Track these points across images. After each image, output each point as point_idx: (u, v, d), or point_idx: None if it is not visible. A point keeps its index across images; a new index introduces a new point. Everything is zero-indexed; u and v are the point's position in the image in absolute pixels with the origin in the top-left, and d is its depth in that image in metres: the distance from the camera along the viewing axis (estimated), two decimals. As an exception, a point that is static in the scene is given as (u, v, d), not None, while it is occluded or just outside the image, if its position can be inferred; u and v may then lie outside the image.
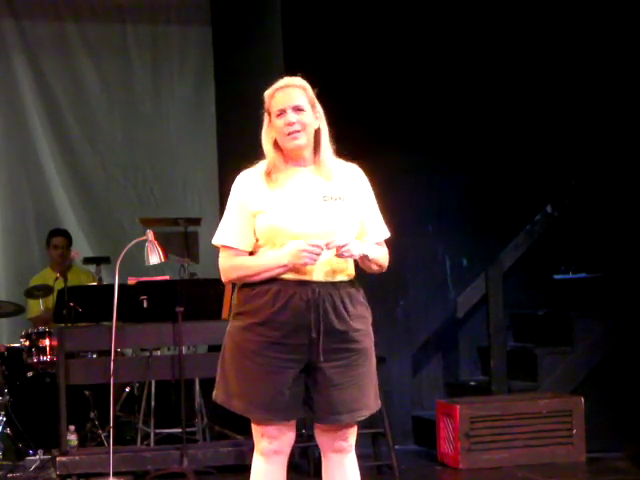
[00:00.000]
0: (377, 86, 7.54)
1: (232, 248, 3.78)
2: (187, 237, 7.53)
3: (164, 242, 6.52)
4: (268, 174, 3.77)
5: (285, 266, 3.67)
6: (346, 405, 3.73)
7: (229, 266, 3.79)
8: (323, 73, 7.36)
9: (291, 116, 3.74)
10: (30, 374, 7.18)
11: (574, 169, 7.71)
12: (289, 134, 3.74)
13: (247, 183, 3.80)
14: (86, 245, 8.73)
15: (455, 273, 7.69)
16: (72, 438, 6.61)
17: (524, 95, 7.78)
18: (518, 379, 7.31)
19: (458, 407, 6.63)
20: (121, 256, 6.15)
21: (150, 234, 6.26)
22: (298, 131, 3.74)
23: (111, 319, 6.13)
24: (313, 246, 3.61)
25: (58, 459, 6.35)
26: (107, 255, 8.00)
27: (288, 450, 3.81)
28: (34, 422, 7.02)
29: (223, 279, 3.83)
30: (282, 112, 3.76)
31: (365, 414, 3.80)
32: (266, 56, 7.82)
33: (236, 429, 7.02)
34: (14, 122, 8.79)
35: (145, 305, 6.51)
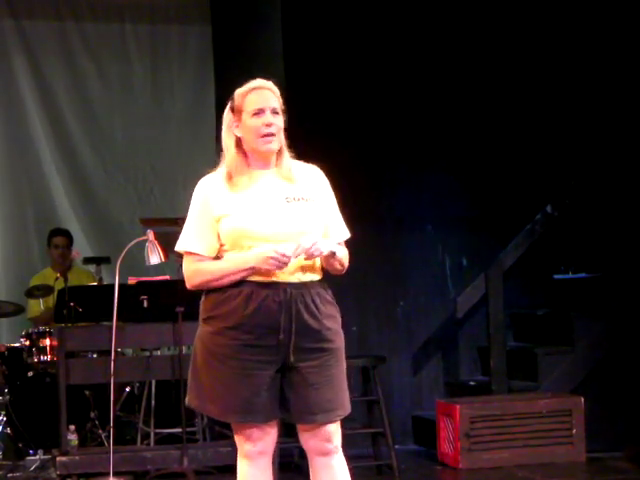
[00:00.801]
0: (377, 85, 7.54)
1: (195, 254, 3.76)
2: (187, 237, 7.52)
3: (164, 242, 6.52)
4: (229, 177, 3.75)
5: (251, 269, 3.64)
6: (321, 405, 3.71)
7: (192, 271, 3.77)
8: (323, 73, 7.40)
9: (270, 117, 3.72)
10: (30, 374, 7.18)
11: (574, 169, 7.71)
12: (265, 135, 3.71)
13: (209, 188, 3.78)
14: (86, 245, 8.73)
15: (455, 273, 7.69)
16: (72, 438, 6.61)
17: (524, 95, 7.79)
18: (518, 379, 7.31)
19: (458, 407, 6.63)
20: (121, 256, 6.16)
21: (150, 234, 6.26)
22: (274, 134, 3.72)
23: (111, 319, 6.13)
24: (281, 255, 3.58)
25: (58, 459, 6.34)
26: (107, 255, 7.99)
27: (272, 450, 3.81)
28: (34, 422, 7.02)
29: (187, 285, 3.82)
30: (260, 112, 3.73)
31: (340, 414, 3.78)
32: (266, 56, 7.82)
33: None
34: (14, 122, 8.79)
35: (145, 305, 6.51)
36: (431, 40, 7.66)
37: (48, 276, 7.82)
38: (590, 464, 6.62)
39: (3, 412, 6.97)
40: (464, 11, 7.72)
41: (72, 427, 6.64)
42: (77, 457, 6.41)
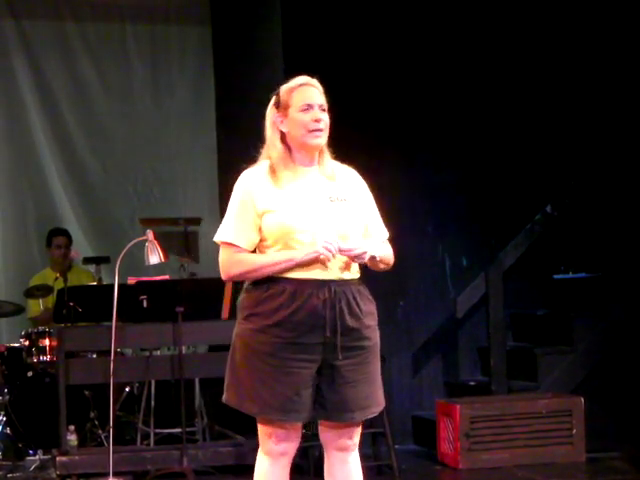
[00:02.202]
0: (377, 86, 7.54)
1: (234, 245, 3.75)
2: (187, 237, 7.54)
3: (164, 242, 6.53)
4: (273, 172, 3.75)
5: (291, 260, 3.66)
6: (359, 402, 3.74)
7: (231, 262, 3.76)
8: (323, 73, 7.39)
9: (319, 113, 3.76)
10: (30, 374, 7.17)
11: (574, 169, 7.71)
12: (314, 130, 3.74)
13: (253, 182, 3.77)
14: (86, 245, 8.73)
15: (455, 273, 7.69)
16: (72, 438, 6.61)
17: (524, 95, 7.78)
18: (518, 379, 7.32)
19: (458, 407, 6.63)
20: (121, 256, 6.15)
21: (150, 234, 6.26)
22: (322, 130, 3.76)
23: (111, 319, 6.12)
24: (329, 243, 3.61)
25: (58, 459, 6.34)
26: (107, 255, 7.99)
27: (293, 452, 3.80)
28: (34, 422, 7.02)
29: (223, 276, 3.80)
30: (309, 107, 3.77)
31: (375, 411, 3.82)
32: (266, 56, 7.82)
33: (236, 429, 7.02)
34: (14, 122, 8.79)
35: (145, 305, 6.50)
36: (431, 40, 7.65)
37: (48, 276, 7.82)
38: (590, 464, 6.62)
39: (3, 412, 6.96)
40: (464, 14, 7.71)
41: (72, 427, 6.63)
42: (77, 457, 6.40)
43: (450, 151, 7.70)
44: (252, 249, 3.77)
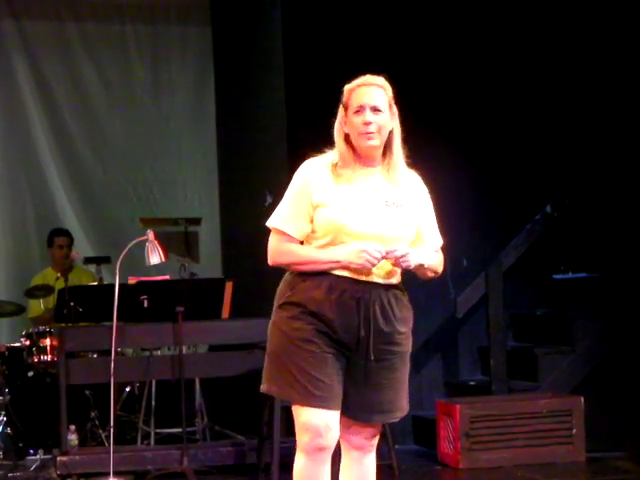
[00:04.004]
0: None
1: (284, 233, 3.75)
2: (187, 237, 7.56)
3: (164, 242, 6.53)
4: (335, 167, 3.75)
5: (338, 262, 3.67)
6: (381, 406, 3.77)
7: (280, 251, 3.76)
8: (323, 73, 7.40)
9: (369, 116, 3.73)
10: (31, 374, 7.18)
11: (574, 169, 7.71)
12: (365, 134, 3.72)
13: (313, 172, 3.76)
14: (86, 245, 8.73)
15: (455, 273, 7.69)
16: (72, 438, 6.60)
17: (524, 95, 7.78)
18: (518, 379, 7.32)
19: (458, 407, 6.63)
20: (121, 256, 6.16)
21: (150, 234, 6.26)
22: (374, 132, 3.73)
23: (111, 319, 6.13)
24: (375, 251, 3.62)
25: (58, 459, 6.35)
26: (107, 255, 8.00)
27: (333, 446, 3.73)
28: (34, 422, 7.02)
29: (270, 262, 3.80)
30: (361, 109, 3.74)
31: (398, 416, 3.85)
32: (266, 56, 7.82)
33: (236, 429, 7.03)
34: (14, 122, 8.79)
35: (145, 305, 6.51)
36: (433, 40, 7.65)
37: (48, 276, 7.83)
38: (590, 464, 6.63)
39: (3, 412, 6.96)
40: (468, 13, 7.71)
41: (72, 427, 6.63)
42: (77, 457, 6.41)
43: (450, 151, 7.69)
44: (302, 239, 3.77)
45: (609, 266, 7.60)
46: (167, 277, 6.99)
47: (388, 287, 3.76)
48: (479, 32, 7.73)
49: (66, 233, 8.16)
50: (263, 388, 3.79)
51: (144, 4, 9.11)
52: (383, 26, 7.57)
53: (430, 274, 3.91)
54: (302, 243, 3.79)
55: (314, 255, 3.71)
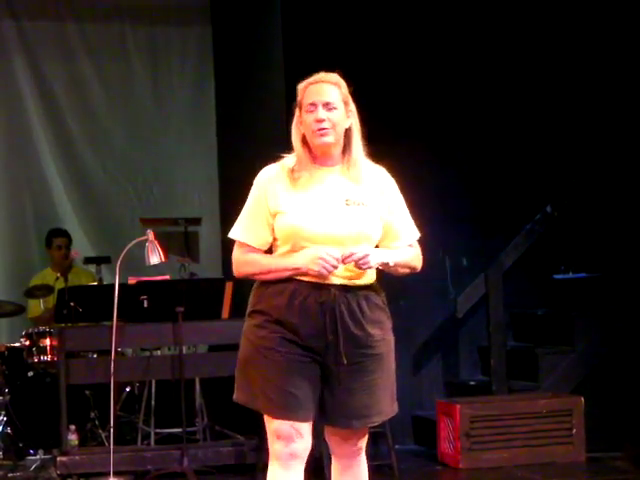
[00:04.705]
0: (377, 85, 7.53)
1: (246, 244, 3.73)
2: (187, 237, 7.55)
3: (164, 242, 6.53)
4: (291, 172, 3.69)
5: (298, 269, 3.61)
6: (357, 411, 3.67)
7: (242, 261, 3.74)
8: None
9: (321, 113, 3.65)
10: (31, 374, 7.18)
11: (574, 169, 7.71)
12: (318, 130, 3.64)
13: (269, 180, 3.71)
14: (86, 245, 8.73)
15: (455, 273, 7.69)
16: (72, 438, 6.61)
17: (524, 95, 7.78)
18: (518, 379, 7.32)
19: (458, 407, 6.63)
20: (121, 256, 6.16)
21: (150, 234, 6.26)
22: (327, 129, 3.65)
23: (111, 319, 6.13)
24: (332, 257, 3.54)
25: (58, 459, 6.35)
26: (107, 255, 8.00)
27: (305, 455, 3.69)
28: (34, 422, 7.02)
29: (235, 273, 3.79)
30: (313, 107, 3.67)
31: (377, 420, 3.73)
32: (266, 56, 7.82)
33: (236, 429, 7.02)
34: (14, 122, 8.79)
35: (145, 305, 6.51)
36: (433, 40, 7.65)
37: (48, 276, 7.82)
38: (590, 464, 6.63)
39: (3, 412, 6.96)
40: (467, 12, 7.71)
41: (72, 427, 6.64)
42: (77, 457, 6.41)
43: (450, 151, 7.70)
44: (266, 248, 3.73)
45: (609, 266, 7.60)
46: (167, 277, 6.99)
47: (356, 288, 3.66)
48: (480, 31, 7.73)
49: (64, 233, 8.16)
50: (234, 397, 3.76)
51: (144, 4, 9.10)
52: (383, 26, 7.57)
53: (403, 270, 3.81)
54: (271, 252, 3.74)
55: (275, 263, 3.67)
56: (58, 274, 7.45)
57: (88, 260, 8.02)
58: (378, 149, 7.43)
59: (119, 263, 6.16)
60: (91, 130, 8.94)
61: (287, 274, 3.63)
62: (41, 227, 8.57)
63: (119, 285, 6.14)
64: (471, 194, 7.74)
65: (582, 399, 6.73)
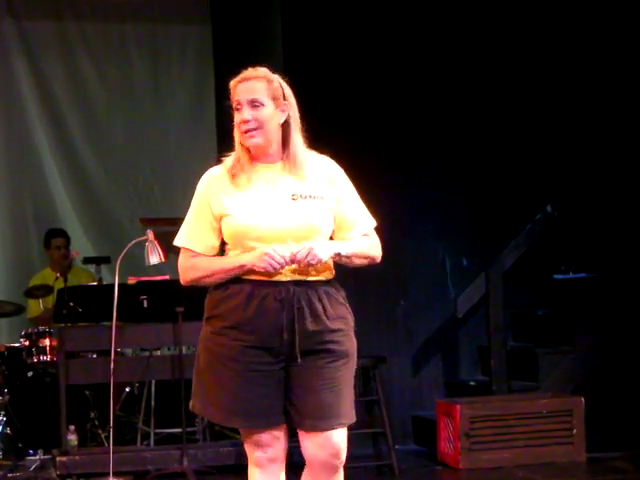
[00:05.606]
0: (377, 85, 7.53)
1: (191, 250, 3.62)
2: (187, 237, 7.52)
3: (164, 242, 6.52)
4: (231, 173, 3.60)
5: (243, 266, 3.49)
6: (322, 410, 3.52)
7: (185, 267, 3.64)
8: (323, 72, 7.40)
9: (246, 113, 3.55)
10: (30, 374, 7.18)
11: (574, 169, 7.71)
12: (245, 132, 3.55)
13: (210, 184, 3.63)
14: (86, 245, 8.73)
15: (455, 273, 7.69)
16: (72, 438, 6.62)
17: (524, 95, 7.78)
18: (518, 379, 7.31)
19: (458, 407, 6.62)
20: (121, 256, 6.16)
21: (150, 234, 6.26)
22: (254, 129, 3.55)
23: (111, 319, 6.13)
24: (278, 255, 3.42)
25: (58, 459, 6.35)
26: (107, 255, 8.00)
27: (282, 456, 3.64)
28: (34, 422, 7.02)
29: (181, 281, 3.68)
30: (240, 106, 3.57)
31: (343, 422, 3.57)
32: (266, 56, 7.81)
33: (236, 429, 7.01)
34: (14, 122, 8.80)
35: (145, 305, 6.51)
36: (431, 40, 7.65)
37: (48, 276, 7.83)
38: (590, 464, 6.62)
39: (3, 412, 6.96)
40: (464, 12, 7.71)
41: (72, 427, 6.64)
42: (77, 457, 6.41)
43: (450, 151, 7.69)
44: (212, 253, 3.62)
45: (609, 266, 7.60)
46: (167, 277, 6.98)
47: (315, 284, 3.53)
48: (477, 30, 7.73)
49: (62, 233, 8.16)
50: (190, 405, 3.66)
51: (144, 4, 9.11)
52: (383, 26, 7.57)
53: (360, 261, 3.63)
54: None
55: (220, 264, 3.56)
56: (58, 274, 7.45)
57: (88, 260, 8.02)
58: (378, 148, 7.46)
59: (119, 263, 6.16)
60: (91, 130, 8.95)
61: (232, 274, 3.52)
62: (41, 227, 8.57)
63: (119, 285, 6.13)
64: (471, 194, 7.74)
65: (582, 399, 6.72)
